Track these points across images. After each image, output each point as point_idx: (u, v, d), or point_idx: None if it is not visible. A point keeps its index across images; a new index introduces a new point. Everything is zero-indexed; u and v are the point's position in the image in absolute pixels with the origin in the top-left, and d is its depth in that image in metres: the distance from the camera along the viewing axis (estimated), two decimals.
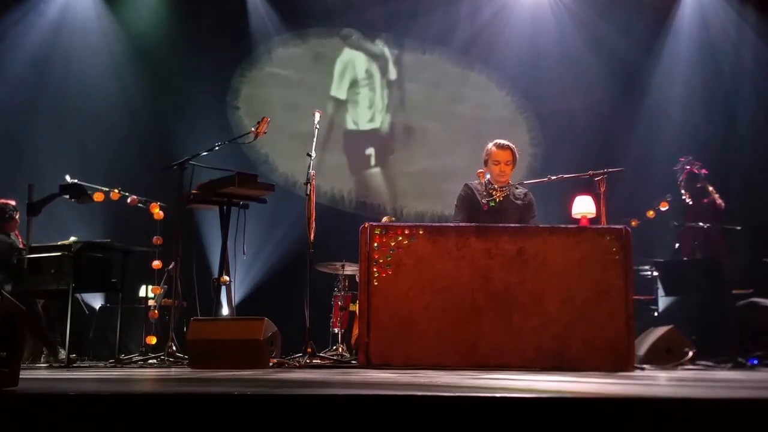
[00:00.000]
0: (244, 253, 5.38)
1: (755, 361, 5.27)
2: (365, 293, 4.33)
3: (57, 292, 5.57)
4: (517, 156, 5.12)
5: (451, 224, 4.82)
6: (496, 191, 5.03)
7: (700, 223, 6.53)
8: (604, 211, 4.91)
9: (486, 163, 5.11)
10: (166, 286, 6.68)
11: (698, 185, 6.61)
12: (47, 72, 8.51)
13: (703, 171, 6.76)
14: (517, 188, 5.14)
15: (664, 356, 5.34)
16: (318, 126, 5.29)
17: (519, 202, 5.05)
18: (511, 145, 5.11)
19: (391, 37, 9.28)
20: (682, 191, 6.66)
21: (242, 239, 5.36)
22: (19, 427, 1.88)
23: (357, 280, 5.41)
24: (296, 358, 4.91)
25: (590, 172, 5.04)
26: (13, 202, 6.35)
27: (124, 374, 3.89)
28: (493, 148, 5.08)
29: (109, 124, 8.51)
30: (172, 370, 4.69)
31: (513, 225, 4.58)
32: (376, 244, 4.35)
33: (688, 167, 6.64)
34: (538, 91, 8.93)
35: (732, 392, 2.50)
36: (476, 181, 5.04)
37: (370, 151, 9.19)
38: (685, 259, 6.52)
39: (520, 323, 4.24)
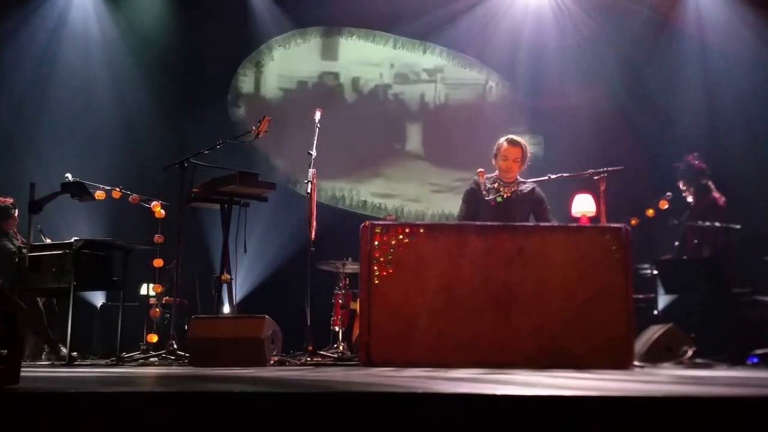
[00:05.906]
0: (245, 252, 5.40)
1: (755, 360, 5.27)
2: (366, 292, 4.34)
3: (58, 291, 5.58)
4: (528, 155, 5.13)
5: (452, 223, 4.83)
6: (503, 187, 5.04)
7: (701, 222, 6.51)
8: (603, 209, 4.92)
9: (495, 156, 5.14)
10: (167, 284, 6.68)
11: (702, 182, 6.58)
12: (49, 70, 8.51)
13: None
14: (524, 183, 5.15)
15: (664, 354, 5.35)
16: (319, 124, 5.30)
17: (527, 199, 5.06)
18: (522, 142, 5.13)
19: (390, 35, 9.28)
20: (685, 188, 6.61)
21: (243, 237, 5.37)
22: (20, 425, 1.88)
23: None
24: (297, 356, 4.92)
25: (590, 171, 5.05)
26: (10, 200, 6.35)
27: (125, 372, 3.89)
28: (505, 144, 5.10)
29: (110, 123, 8.51)
30: (173, 368, 4.70)
31: (513, 224, 4.59)
32: (376, 243, 4.35)
33: (696, 162, 6.60)
34: (538, 90, 8.92)
35: (732, 390, 2.50)
36: (485, 175, 5.04)
37: (370, 149, 9.19)
38: (685, 257, 6.51)
39: (520, 322, 4.25)
